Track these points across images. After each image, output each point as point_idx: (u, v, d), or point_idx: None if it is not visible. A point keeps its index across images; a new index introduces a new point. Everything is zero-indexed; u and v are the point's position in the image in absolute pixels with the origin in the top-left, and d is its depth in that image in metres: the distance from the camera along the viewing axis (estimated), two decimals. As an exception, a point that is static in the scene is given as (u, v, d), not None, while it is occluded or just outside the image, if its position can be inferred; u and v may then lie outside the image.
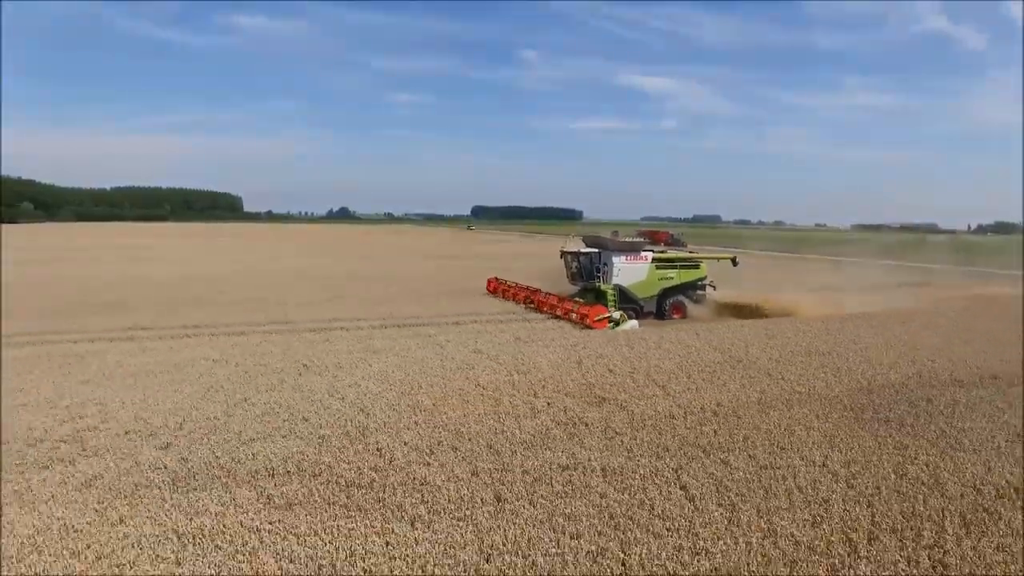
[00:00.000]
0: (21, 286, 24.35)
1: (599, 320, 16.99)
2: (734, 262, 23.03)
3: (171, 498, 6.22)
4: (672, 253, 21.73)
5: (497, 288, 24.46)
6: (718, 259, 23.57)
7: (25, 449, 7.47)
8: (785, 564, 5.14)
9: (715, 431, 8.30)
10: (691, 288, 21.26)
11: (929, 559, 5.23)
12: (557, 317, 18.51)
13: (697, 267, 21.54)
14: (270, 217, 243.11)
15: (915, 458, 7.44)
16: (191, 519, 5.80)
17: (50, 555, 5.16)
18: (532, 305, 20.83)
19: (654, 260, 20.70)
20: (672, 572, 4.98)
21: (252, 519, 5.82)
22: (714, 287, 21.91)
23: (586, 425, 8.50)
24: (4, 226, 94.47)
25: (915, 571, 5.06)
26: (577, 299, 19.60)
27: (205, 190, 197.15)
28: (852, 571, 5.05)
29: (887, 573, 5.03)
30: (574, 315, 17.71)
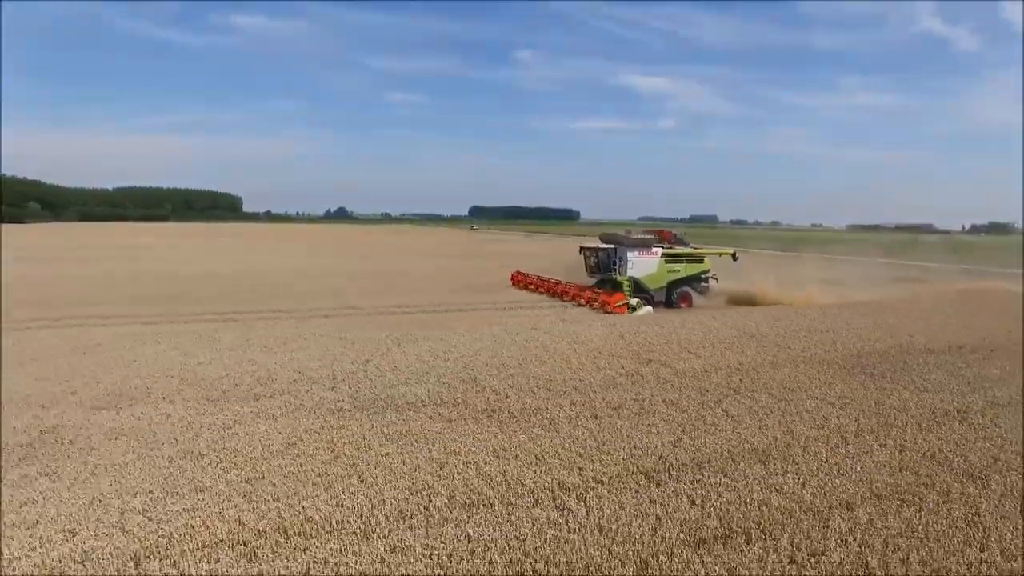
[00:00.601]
0: (102, 279, 26.92)
1: (619, 306, 19.67)
2: (734, 257, 25.79)
3: (364, 417, 8.84)
4: (679, 249, 24.38)
5: (520, 281, 27.15)
6: (719, 254, 26.29)
7: (232, 389, 10.08)
8: (799, 446, 7.80)
9: (740, 380, 10.98)
10: (696, 280, 23.85)
11: (893, 444, 7.92)
12: (580, 304, 21.15)
13: (701, 262, 24.16)
14: (268, 217, 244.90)
15: (891, 395, 10.13)
16: (387, 427, 8.42)
17: (313, 444, 7.77)
18: (556, 295, 23.51)
19: (663, 255, 23.33)
20: (727, 449, 7.64)
21: (428, 427, 8.44)
22: (716, 279, 24.56)
23: (641, 376, 11.15)
24: (16, 226, 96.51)
25: (883, 449, 7.74)
26: (596, 289, 22.28)
27: (206, 190, 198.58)
28: (843, 450, 7.72)
29: (865, 451, 7.70)
30: (596, 302, 20.41)
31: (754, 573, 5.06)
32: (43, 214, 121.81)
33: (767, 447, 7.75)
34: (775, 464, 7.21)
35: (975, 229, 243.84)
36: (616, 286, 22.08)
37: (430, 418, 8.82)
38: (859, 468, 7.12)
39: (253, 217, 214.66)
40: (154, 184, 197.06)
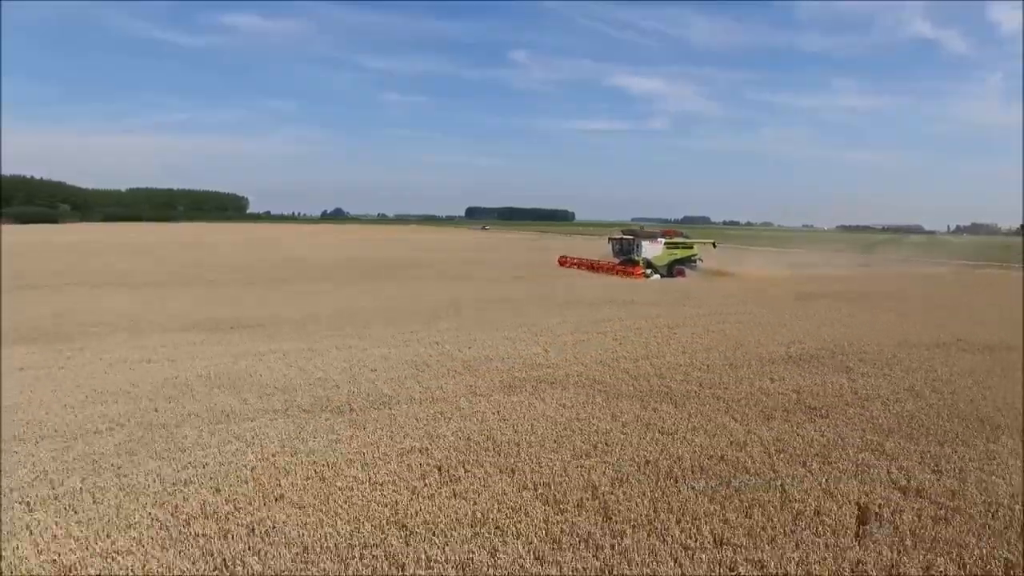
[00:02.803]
0: (328, 260, 38.02)
1: (640, 274, 31.15)
2: (714, 245, 37.68)
3: (577, 305, 20.10)
4: (676, 239, 36.05)
5: (566, 262, 38.61)
6: (703, 244, 37.95)
7: (525, 299, 21.36)
8: (767, 308, 19.26)
9: (742, 300, 22.45)
10: (688, 261, 35.50)
11: (811, 315, 19.43)
12: (613, 275, 32.41)
13: (691, 248, 35.92)
14: (270, 217, 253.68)
15: (814, 306, 21.66)
16: (591, 308, 19.70)
17: (574, 316, 19.08)
18: (594, 270, 34.87)
19: (665, 243, 34.94)
20: (738, 313, 19.08)
21: (607, 309, 19.72)
22: (702, 260, 36.16)
23: (690, 299, 22.58)
24: (52, 227, 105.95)
25: (805, 309, 19.24)
26: (621, 265, 33.78)
27: (214, 191, 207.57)
28: (788, 314, 19.17)
29: (800, 314, 19.18)
30: (627, 273, 31.84)
31: (756, 319, 16.36)
32: (73, 214, 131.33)
33: (755, 311, 19.23)
34: (763, 314, 18.66)
35: (959, 230, 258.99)
36: (634, 263, 33.56)
37: (605, 306, 20.12)
38: (800, 318, 18.61)
39: (258, 217, 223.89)
40: (164, 186, 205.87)
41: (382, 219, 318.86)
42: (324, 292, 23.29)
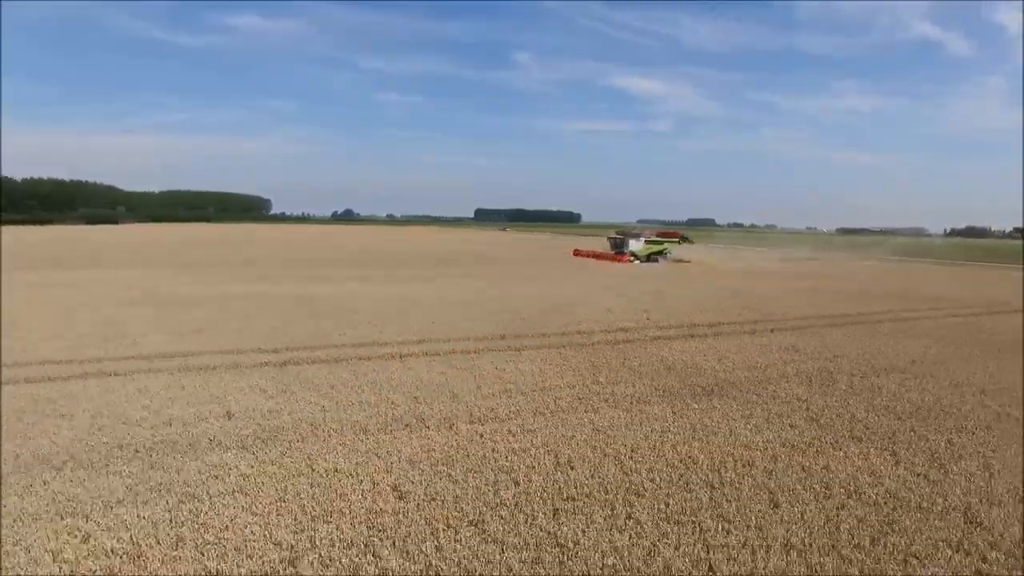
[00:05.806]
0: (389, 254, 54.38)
1: (627, 260, 47.38)
2: (679, 242, 53.76)
3: (634, 275, 36.25)
4: (653, 239, 52.13)
5: (579, 253, 54.98)
6: (672, 242, 53.98)
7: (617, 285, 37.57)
8: (706, 281, 35.43)
9: (690, 275, 38.58)
10: (661, 253, 51.47)
11: (744, 281, 35.62)
12: (612, 261, 48.50)
13: (662, 244, 52.01)
14: (286, 218, 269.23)
15: (761, 280, 37.80)
16: (645, 272, 35.84)
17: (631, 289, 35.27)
18: (598, 258, 51.05)
19: (645, 241, 51.18)
20: (707, 288, 35.24)
21: (634, 276, 35.86)
22: (671, 253, 52.02)
23: (675, 273, 38.71)
24: (111, 227, 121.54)
25: (738, 281, 35.41)
26: (615, 255, 49.98)
27: (239, 193, 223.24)
28: (720, 281, 35.31)
29: (756, 280, 35.33)
30: (618, 260, 48.00)
31: (693, 281, 32.37)
32: (128, 215, 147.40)
33: (690, 280, 35.37)
34: (696, 281, 34.78)
35: (953, 232, 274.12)
36: (623, 253, 49.73)
37: (611, 276, 36.19)
38: (721, 282, 34.76)
39: (275, 218, 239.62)
40: (176, 187, 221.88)
41: (391, 220, 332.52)
42: (459, 268, 39.31)
